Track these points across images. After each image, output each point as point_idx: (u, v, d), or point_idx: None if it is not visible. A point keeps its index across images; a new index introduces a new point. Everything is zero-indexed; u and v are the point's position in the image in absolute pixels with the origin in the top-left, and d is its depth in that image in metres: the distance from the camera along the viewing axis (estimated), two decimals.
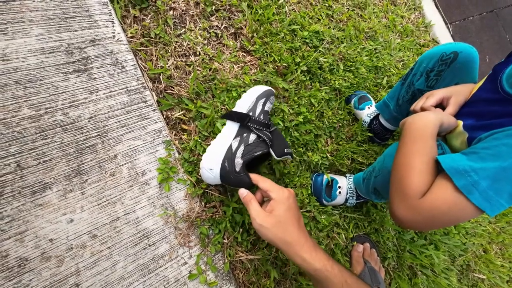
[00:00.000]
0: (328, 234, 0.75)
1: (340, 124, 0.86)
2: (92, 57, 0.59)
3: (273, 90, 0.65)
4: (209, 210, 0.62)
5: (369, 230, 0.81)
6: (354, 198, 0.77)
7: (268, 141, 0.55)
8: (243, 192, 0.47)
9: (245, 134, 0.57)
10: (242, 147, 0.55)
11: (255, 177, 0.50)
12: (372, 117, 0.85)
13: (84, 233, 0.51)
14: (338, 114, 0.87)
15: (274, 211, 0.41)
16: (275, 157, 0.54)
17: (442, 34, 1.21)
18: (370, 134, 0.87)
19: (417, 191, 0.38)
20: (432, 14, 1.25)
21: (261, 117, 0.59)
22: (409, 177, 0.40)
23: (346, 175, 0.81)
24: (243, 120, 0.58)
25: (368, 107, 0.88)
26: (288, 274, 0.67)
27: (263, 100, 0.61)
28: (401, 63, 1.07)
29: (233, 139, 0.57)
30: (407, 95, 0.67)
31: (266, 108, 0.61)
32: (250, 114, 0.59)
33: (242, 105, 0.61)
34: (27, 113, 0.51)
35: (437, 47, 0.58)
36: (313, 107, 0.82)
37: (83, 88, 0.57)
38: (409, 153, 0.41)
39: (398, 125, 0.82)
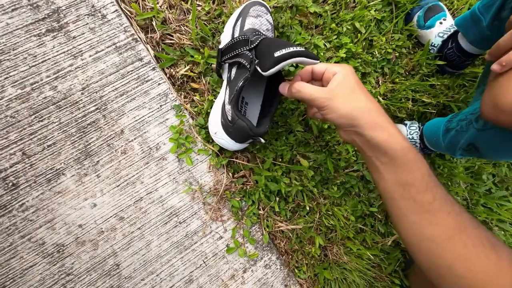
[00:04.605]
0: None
1: (397, 54, 0.64)
2: (63, 8, 0.46)
3: (255, 1, 0.46)
4: (239, 181, 0.54)
5: None
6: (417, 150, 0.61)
7: (245, 62, 0.39)
8: (284, 85, 0.38)
9: (228, 74, 0.44)
10: (227, 91, 0.43)
11: (298, 76, 0.38)
12: (445, 37, 0.60)
13: (111, 217, 0.48)
14: (393, 40, 0.63)
15: (342, 82, 0.33)
16: (262, 73, 0.36)
17: None
18: (440, 62, 0.63)
19: None
20: None
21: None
22: None
23: (406, 122, 0.63)
24: (219, 59, 0.45)
25: (440, 23, 0.62)
26: (335, 239, 0.60)
27: (239, 21, 0.45)
28: None
29: (225, 87, 0.45)
30: None
31: (247, 27, 0.44)
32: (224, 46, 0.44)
33: (222, 41, 0.48)
34: (12, 92, 0.44)
35: None
36: (359, 35, 0.60)
37: (64, 52, 0.46)
38: None
39: (488, 47, 0.57)
